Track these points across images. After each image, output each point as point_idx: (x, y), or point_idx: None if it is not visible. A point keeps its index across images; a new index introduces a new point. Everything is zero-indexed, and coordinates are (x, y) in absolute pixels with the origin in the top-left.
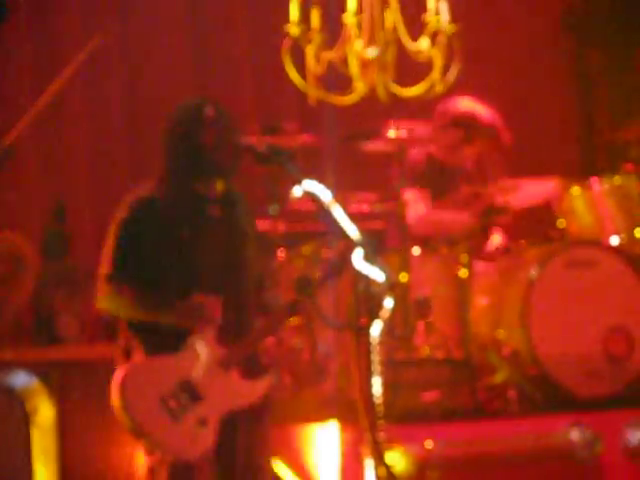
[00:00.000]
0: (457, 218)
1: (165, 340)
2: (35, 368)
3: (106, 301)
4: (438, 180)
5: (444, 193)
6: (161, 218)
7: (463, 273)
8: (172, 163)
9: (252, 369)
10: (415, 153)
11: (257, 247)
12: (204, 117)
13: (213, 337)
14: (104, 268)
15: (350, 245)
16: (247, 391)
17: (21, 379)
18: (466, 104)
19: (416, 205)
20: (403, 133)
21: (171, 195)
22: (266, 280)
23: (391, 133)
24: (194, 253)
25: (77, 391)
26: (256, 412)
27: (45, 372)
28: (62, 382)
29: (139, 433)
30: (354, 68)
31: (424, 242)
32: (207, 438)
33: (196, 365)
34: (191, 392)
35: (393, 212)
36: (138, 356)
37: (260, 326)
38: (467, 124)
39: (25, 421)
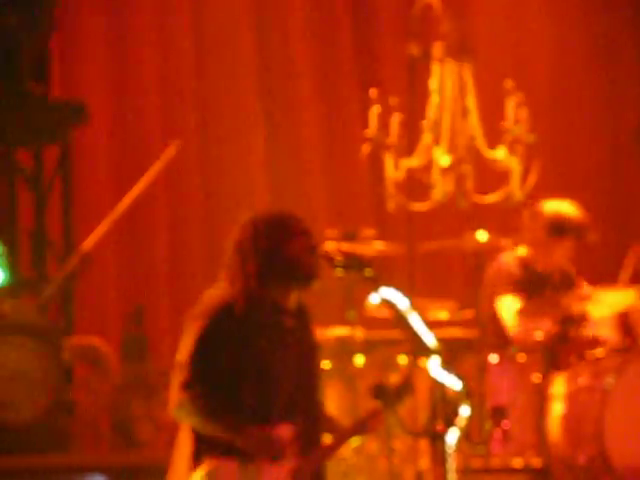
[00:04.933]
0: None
1: (234, 453)
2: (112, 473)
3: (179, 411)
4: (533, 288)
5: (529, 298)
6: (240, 328)
7: (540, 380)
8: (255, 274)
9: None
10: (509, 259)
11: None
12: (288, 230)
13: (287, 446)
14: (180, 376)
15: (426, 353)
16: None
17: None
18: (556, 205)
19: (513, 311)
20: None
21: (252, 305)
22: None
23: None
24: (271, 364)
25: None
26: None
27: (122, 477)
28: None
29: None
30: (433, 175)
31: (502, 349)
32: None
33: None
34: None
35: (475, 320)
36: (207, 465)
37: (329, 442)
38: (559, 225)
39: None
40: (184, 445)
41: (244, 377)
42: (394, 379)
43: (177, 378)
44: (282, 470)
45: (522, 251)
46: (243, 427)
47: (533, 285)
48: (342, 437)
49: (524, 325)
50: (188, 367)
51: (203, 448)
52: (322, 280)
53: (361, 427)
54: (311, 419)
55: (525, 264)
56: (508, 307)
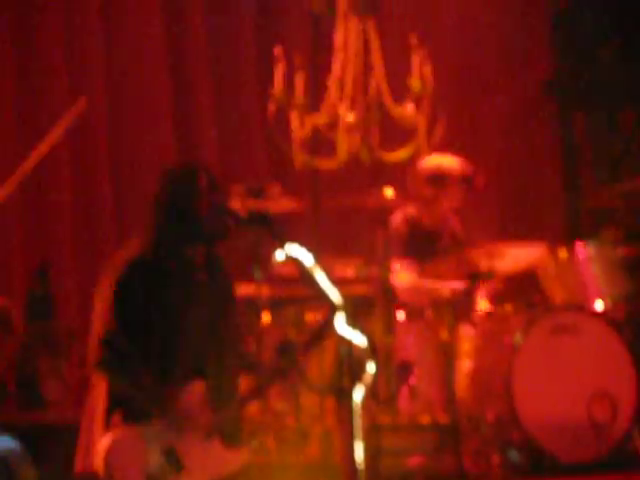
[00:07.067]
0: (443, 286)
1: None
2: (18, 432)
3: (99, 368)
4: (422, 244)
5: (429, 257)
6: (152, 281)
7: (448, 337)
8: (164, 227)
9: (234, 435)
10: (397, 219)
11: (237, 310)
12: (198, 186)
13: (198, 404)
14: (96, 333)
15: (332, 310)
16: (228, 460)
17: (4, 443)
18: (433, 159)
19: (402, 274)
20: (387, 198)
21: (163, 259)
22: (248, 341)
23: (387, 194)
24: (181, 317)
25: (61, 455)
26: None
27: (29, 436)
28: (46, 446)
29: None
30: (338, 132)
31: (409, 306)
32: None
33: (180, 433)
34: (175, 461)
35: (378, 277)
36: (117, 420)
37: (244, 393)
38: (438, 177)
39: None
40: (97, 403)
41: (155, 330)
42: (300, 336)
43: (93, 335)
44: (194, 428)
45: (410, 209)
46: (156, 391)
47: (421, 242)
48: (255, 390)
49: (419, 288)
50: (103, 323)
51: (116, 406)
52: (228, 237)
53: (274, 377)
54: (225, 371)
55: (412, 221)
56: (398, 270)
